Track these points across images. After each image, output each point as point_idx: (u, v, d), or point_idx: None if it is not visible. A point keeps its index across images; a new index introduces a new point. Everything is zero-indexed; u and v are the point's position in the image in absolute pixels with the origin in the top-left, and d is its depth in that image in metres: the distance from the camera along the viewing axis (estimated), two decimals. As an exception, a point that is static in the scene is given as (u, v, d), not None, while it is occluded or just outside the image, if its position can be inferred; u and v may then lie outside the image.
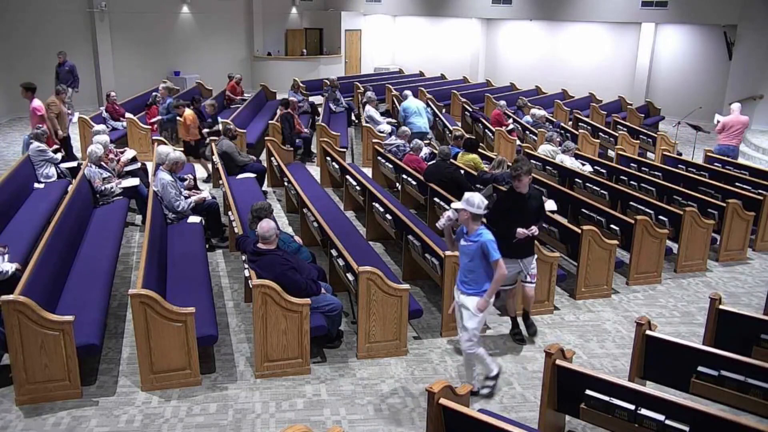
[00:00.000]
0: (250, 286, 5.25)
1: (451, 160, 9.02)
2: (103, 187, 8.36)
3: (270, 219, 5.94)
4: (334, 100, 15.25)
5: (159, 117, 12.83)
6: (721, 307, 5.16)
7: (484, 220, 5.29)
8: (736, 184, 9.41)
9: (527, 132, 13.12)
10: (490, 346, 6.02)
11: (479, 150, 10.58)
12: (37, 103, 10.32)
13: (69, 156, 10.89)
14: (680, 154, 12.13)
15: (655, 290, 7.35)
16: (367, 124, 12.48)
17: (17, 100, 13.56)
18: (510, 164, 8.55)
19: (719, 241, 8.17)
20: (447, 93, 17.06)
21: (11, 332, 4.74)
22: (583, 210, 8.16)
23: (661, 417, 3.89)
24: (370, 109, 13.28)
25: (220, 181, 8.97)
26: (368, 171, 11.13)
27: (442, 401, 3.88)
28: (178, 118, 11.83)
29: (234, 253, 7.90)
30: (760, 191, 8.86)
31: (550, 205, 8.33)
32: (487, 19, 21.27)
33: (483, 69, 22.03)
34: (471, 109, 15.07)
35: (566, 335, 6.31)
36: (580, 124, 14.43)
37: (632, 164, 10.73)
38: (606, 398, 4.11)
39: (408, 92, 13.42)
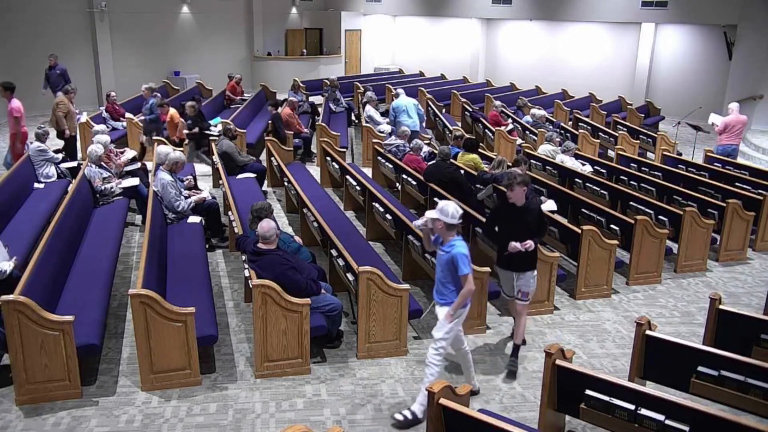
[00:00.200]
0: (250, 286, 5.25)
1: (451, 160, 9.02)
2: (103, 187, 8.36)
3: (270, 219, 5.94)
4: (334, 100, 15.25)
5: (142, 117, 12.33)
6: (721, 307, 5.16)
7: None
8: (736, 184, 9.42)
9: (527, 132, 13.12)
10: (489, 346, 6.03)
11: (479, 150, 10.58)
12: (15, 103, 9.90)
13: (72, 156, 10.89)
14: (680, 154, 12.14)
15: (655, 290, 7.35)
16: (367, 124, 12.48)
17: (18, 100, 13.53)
18: (510, 164, 8.57)
19: (719, 241, 8.17)
20: (447, 93, 17.05)
21: (11, 332, 4.74)
22: (583, 210, 8.17)
23: (661, 417, 3.89)
24: (370, 109, 13.28)
25: (220, 181, 8.97)
26: (368, 171, 11.13)
27: (442, 401, 3.88)
28: (171, 114, 11.48)
29: (234, 253, 7.89)
30: (760, 191, 8.86)
31: (550, 205, 8.33)
32: (487, 19, 21.28)
33: (483, 69, 22.03)
34: (471, 109, 15.06)
35: (566, 335, 6.31)
36: (580, 124, 14.42)
37: (632, 164, 10.73)
38: (606, 398, 4.11)
39: (400, 90, 13.37)
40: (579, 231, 6.86)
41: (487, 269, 5.96)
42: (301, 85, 16.57)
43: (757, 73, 15.08)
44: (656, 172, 10.13)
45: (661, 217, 7.94)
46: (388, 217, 7.55)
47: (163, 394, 5.13)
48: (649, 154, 12.77)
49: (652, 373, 4.81)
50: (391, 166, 10.14)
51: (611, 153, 12.62)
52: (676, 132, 14.09)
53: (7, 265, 5.67)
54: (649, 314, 6.62)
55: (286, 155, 11.08)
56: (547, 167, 10.22)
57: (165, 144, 9.98)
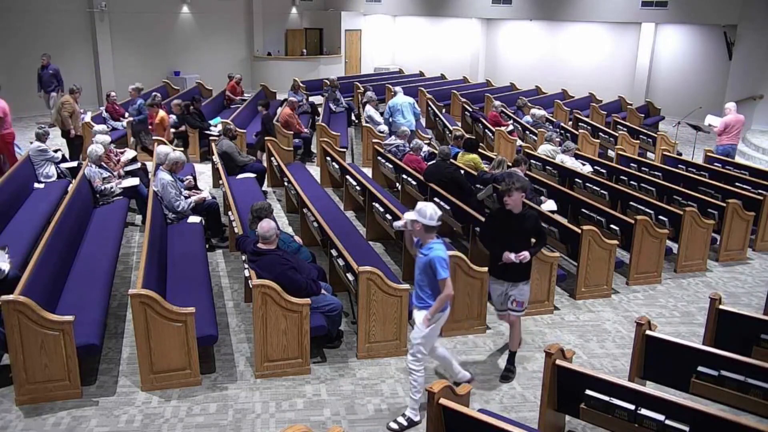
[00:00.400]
0: (250, 286, 5.25)
1: (451, 160, 9.02)
2: (103, 187, 8.37)
3: (270, 219, 5.94)
4: (334, 100, 15.25)
5: (130, 118, 12.17)
6: (721, 307, 5.16)
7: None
8: (736, 184, 9.42)
9: (527, 132, 13.12)
10: (489, 345, 6.03)
11: (479, 150, 10.58)
12: (1, 103, 9.79)
13: (76, 156, 10.89)
14: (680, 154, 12.14)
15: (655, 290, 7.35)
16: (367, 124, 12.48)
17: (18, 101, 13.55)
18: (510, 164, 8.57)
19: (719, 241, 8.17)
20: (447, 93, 17.05)
21: (11, 332, 4.74)
22: (583, 210, 8.17)
23: (661, 417, 3.89)
24: (370, 109, 13.28)
25: (220, 181, 8.97)
26: (368, 171, 11.13)
27: (442, 401, 3.88)
28: (160, 116, 11.36)
29: (234, 253, 7.89)
30: (760, 191, 8.86)
31: (550, 205, 8.34)
32: (487, 19, 21.27)
33: (483, 69, 22.03)
34: (471, 109, 15.06)
35: (566, 335, 6.31)
36: (580, 124, 14.42)
37: (632, 164, 10.73)
38: (606, 398, 4.11)
39: (398, 89, 13.37)
40: (579, 231, 6.86)
41: (487, 269, 5.95)
42: (301, 85, 16.57)
43: (757, 73, 15.08)
44: (656, 172, 10.13)
45: (661, 217, 7.94)
46: (388, 217, 7.54)
47: (163, 394, 5.13)
48: (649, 154, 12.77)
49: (652, 373, 4.81)
50: (391, 166, 10.14)
51: (611, 153, 12.62)
52: (676, 132, 14.10)
53: (6, 265, 5.67)
54: (649, 314, 6.62)
55: (286, 155, 11.09)
56: (547, 167, 10.22)
57: (165, 144, 9.98)
